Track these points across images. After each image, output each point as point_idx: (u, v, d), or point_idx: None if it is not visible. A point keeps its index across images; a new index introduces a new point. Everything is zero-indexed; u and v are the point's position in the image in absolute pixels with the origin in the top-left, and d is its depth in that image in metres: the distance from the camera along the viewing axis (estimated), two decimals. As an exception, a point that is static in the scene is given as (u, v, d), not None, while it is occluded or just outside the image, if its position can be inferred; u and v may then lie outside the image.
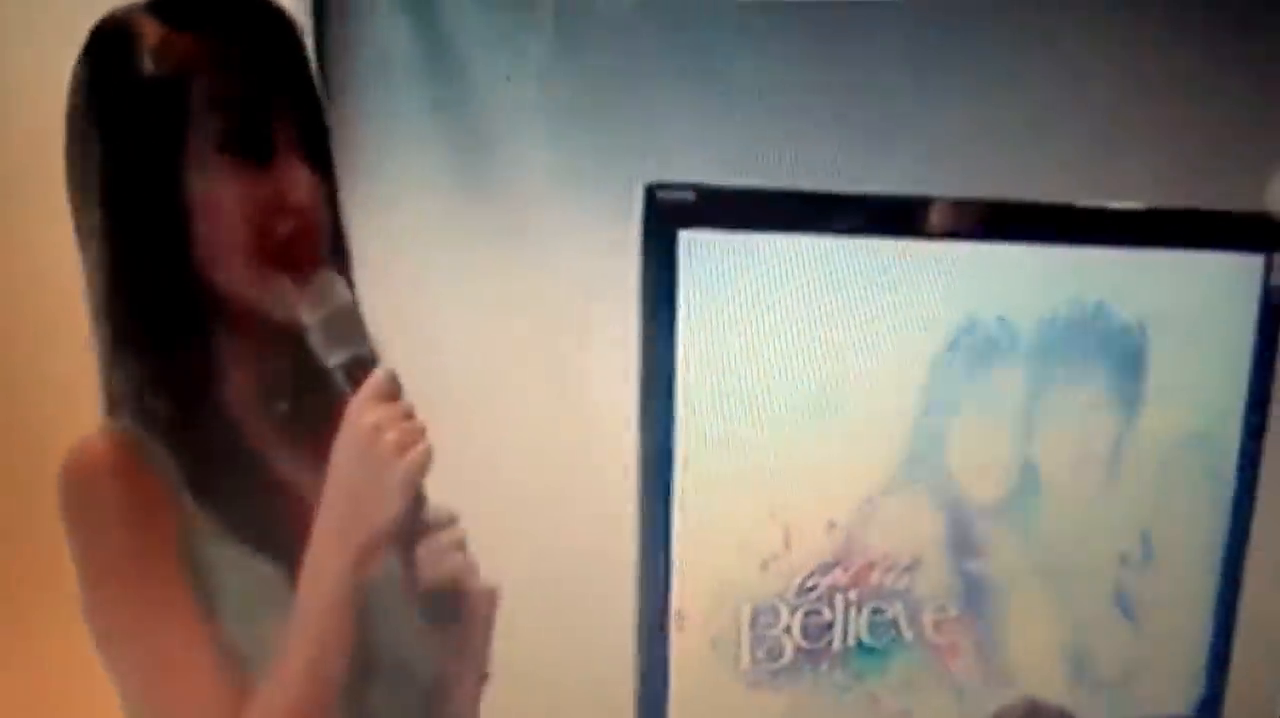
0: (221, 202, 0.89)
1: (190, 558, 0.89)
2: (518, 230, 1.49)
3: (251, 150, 0.90)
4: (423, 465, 0.87)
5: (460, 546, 0.95)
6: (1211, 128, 1.66)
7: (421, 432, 0.88)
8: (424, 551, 0.92)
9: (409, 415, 0.88)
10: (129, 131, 0.89)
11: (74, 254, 0.95)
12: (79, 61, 0.92)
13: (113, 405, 0.94)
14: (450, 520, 0.94)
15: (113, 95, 0.90)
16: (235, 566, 0.90)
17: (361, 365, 0.90)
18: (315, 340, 0.91)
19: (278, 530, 0.91)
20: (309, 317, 0.91)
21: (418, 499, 0.90)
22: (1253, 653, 1.74)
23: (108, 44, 0.91)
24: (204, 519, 0.90)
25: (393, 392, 0.88)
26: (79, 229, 0.93)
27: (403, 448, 0.86)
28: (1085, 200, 1.57)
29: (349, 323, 0.91)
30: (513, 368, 1.52)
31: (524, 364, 1.52)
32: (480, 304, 1.51)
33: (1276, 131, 1.67)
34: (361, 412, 0.87)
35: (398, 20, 1.44)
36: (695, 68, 1.51)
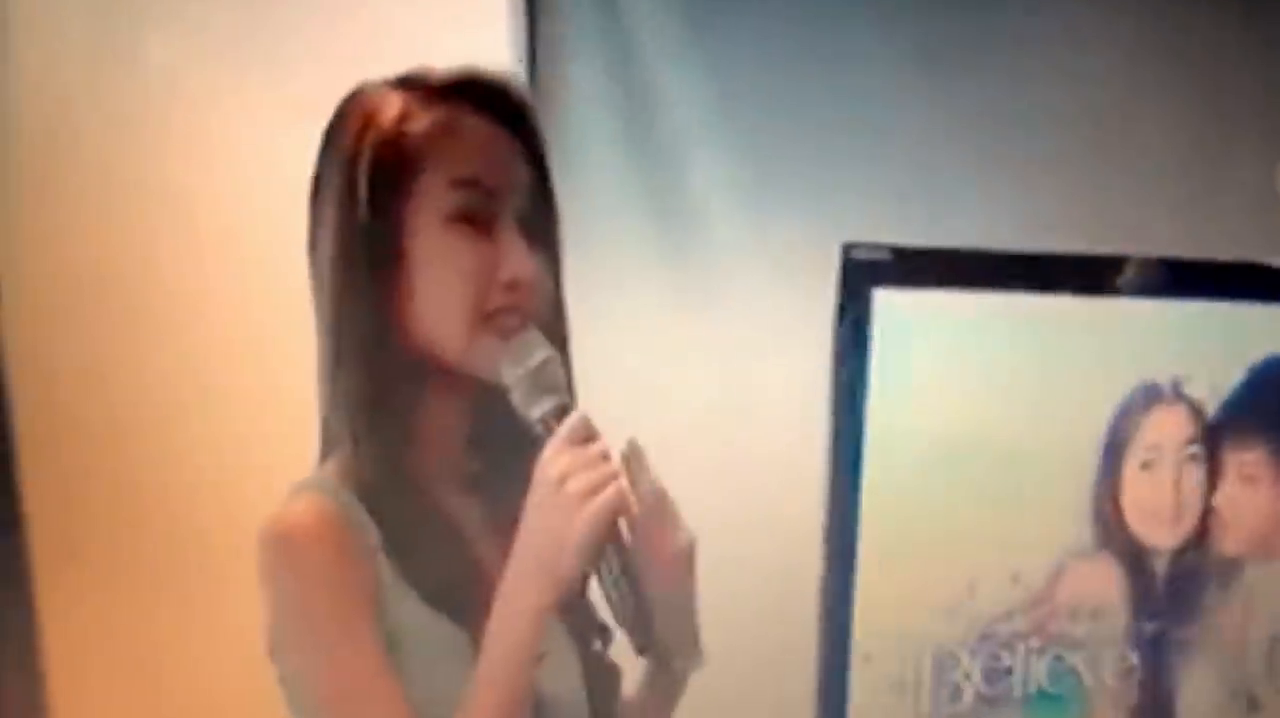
0: (447, 264, 0.91)
1: (387, 617, 0.90)
2: (713, 288, 1.54)
3: (478, 222, 0.92)
4: (609, 511, 0.84)
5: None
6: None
7: (611, 476, 0.84)
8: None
9: (600, 460, 0.85)
10: (361, 195, 0.91)
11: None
12: (327, 127, 0.96)
13: (324, 457, 0.97)
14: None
15: (348, 160, 0.92)
16: (423, 629, 0.91)
17: (562, 414, 0.89)
18: (517, 397, 0.91)
19: (465, 596, 0.91)
20: (510, 375, 0.90)
21: (615, 550, 0.88)
22: None
23: (352, 112, 0.94)
24: (398, 582, 0.91)
25: (584, 437, 0.86)
26: (313, 286, 0.97)
27: (587, 495, 0.83)
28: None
29: (550, 375, 0.90)
30: (705, 418, 1.56)
31: (716, 414, 1.56)
32: (674, 357, 1.56)
33: None
34: (551, 460, 0.85)
35: (596, 75, 1.49)
36: (885, 127, 1.54)
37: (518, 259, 0.92)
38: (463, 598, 0.91)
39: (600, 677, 1.03)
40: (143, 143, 1.55)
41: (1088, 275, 1.53)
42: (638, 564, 0.90)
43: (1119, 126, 1.59)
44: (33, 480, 1.60)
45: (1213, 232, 1.60)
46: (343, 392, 0.93)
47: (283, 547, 0.89)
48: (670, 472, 1.48)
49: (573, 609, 0.98)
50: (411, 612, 0.91)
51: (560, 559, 0.84)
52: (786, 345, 1.56)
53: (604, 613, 0.95)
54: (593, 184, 1.51)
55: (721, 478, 1.58)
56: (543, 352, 0.91)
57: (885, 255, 1.48)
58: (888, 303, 1.49)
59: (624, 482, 0.86)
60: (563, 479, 0.84)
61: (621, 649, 0.98)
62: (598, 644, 1.03)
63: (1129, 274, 1.53)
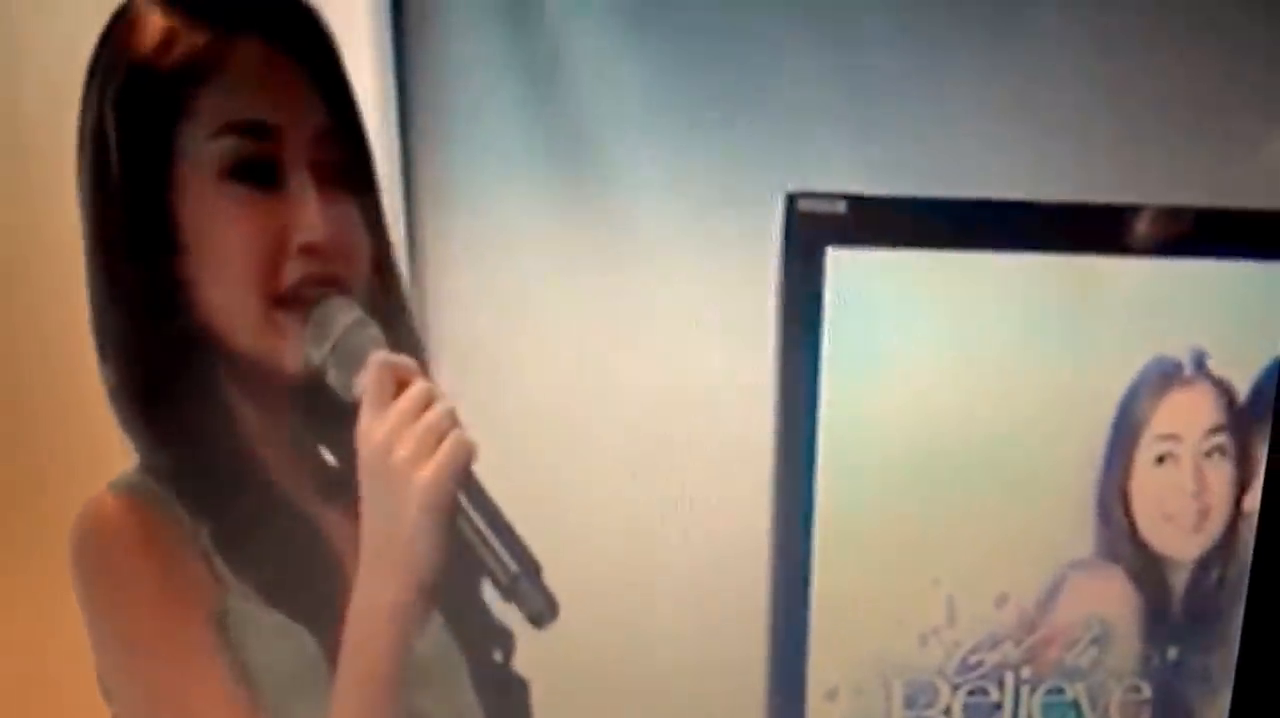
0: (224, 232, 0.80)
1: (224, 626, 0.80)
2: (635, 254, 1.32)
3: (260, 175, 0.80)
4: (448, 472, 0.73)
5: None
6: None
7: (440, 426, 0.73)
8: None
9: (422, 411, 0.74)
10: (119, 142, 0.80)
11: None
12: (93, 53, 0.83)
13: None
14: None
15: (106, 97, 0.80)
16: (271, 635, 0.81)
17: None
18: (332, 379, 0.80)
19: (318, 598, 0.82)
20: (317, 354, 0.80)
21: (473, 504, 0.75)
22: None
23: (111, 34, 0.82)
24: (237, 585, 0.82)
25: (394, 388, 0.75)
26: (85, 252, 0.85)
27: (418, 460, 0.73)
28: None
29: (360, 342, 0.80)
30: (624, 413, 1.35)
31: (637, 408, 1.35)
32: (588, 338, 1.34)
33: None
34: (368, 428, 0.75)
35: (489, 25, 1.26)
36: (846, 53, 1.30)
37: (312, 218, 0.80)
38: (317, 602, 0.81)
39: (502, 693, 0.93)
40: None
41: (1091, 229, 1.30)
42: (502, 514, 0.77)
43: (1134, 57, 1.33)
44: None
45: (1245, 180, 1.34)
46: (116, 387, 0.84)
47: (92, 551, 0.80)
48: (583, 476, 1.38)
49: (462, 613, 0.89)
50: (258, 620, 0.81)
51: (406, 543, 0.74)
52: (719, 320, 1.33)
53: (500, 608, 0.87)
54: (478, 125, 1.30)
55: (647, 482, 1.37)
56: (345, 316, 0.80)
57: (839, 207, 1.26)
58: (843, 265, 1.27)
59: (458, 431, 0.74)
60: (387, 448, 0.73)
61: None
62: (497, 654, 0.94)
63: (1142, 227, 1.29)
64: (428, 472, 0.72)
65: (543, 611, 0.75)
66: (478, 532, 0.75)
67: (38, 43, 1.37)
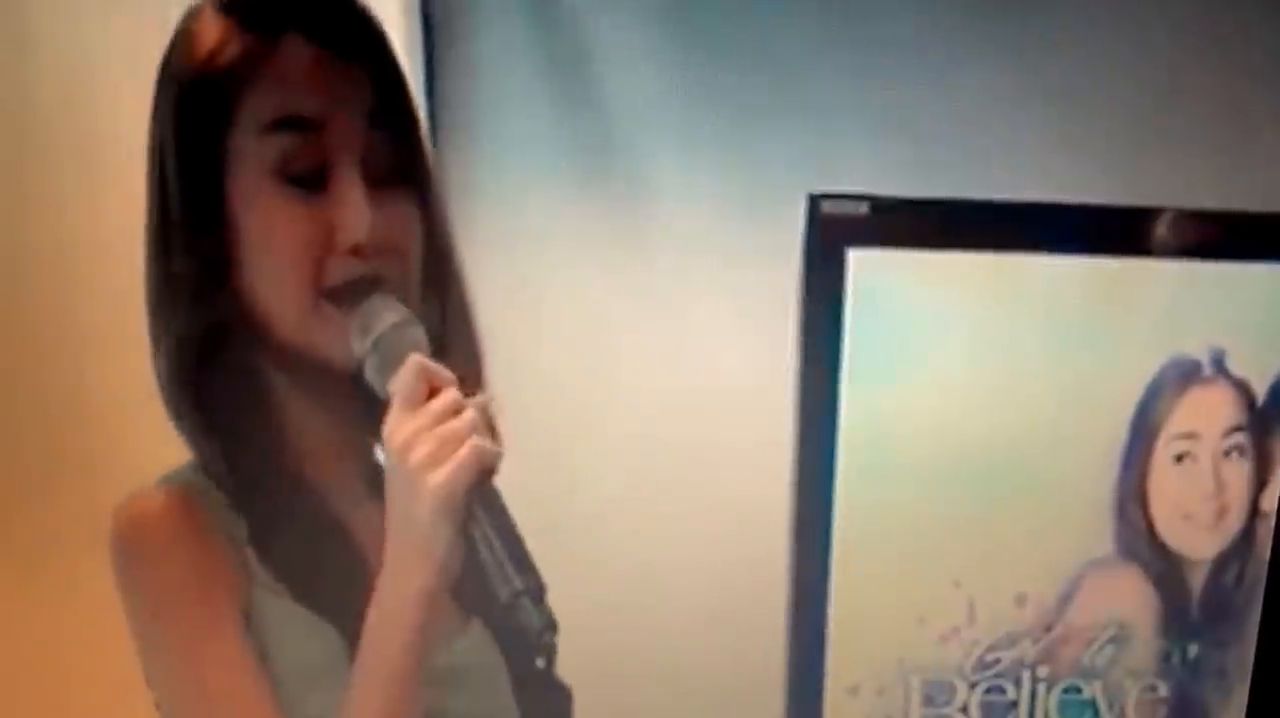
0: (272, 232, 0.80)
1: (253, 620, 0.82)
2: (657, 253, 1.30)
3: (309, 174, 0.80)
4: (456, 480, 0.73)
5: None
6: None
7: (457, 436, 0.73)
8: None
9: (443, 419, 0.74)
10: (176, 147, 0.81)
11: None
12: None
13: None
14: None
15: (168, 101, 0.82)
16: (300, 631, 0.82)
17: None
18: (369, 375, 0.81)
19: (346, 596, 0.82)
20: (360, 348, 0.81)
21: (484, 513, 0.75)
22: None
23: (176, 40, 0.83)
24: (269, 580, 0.83)
25: (427, 393, 0.75)
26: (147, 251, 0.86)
27: (431, 464, 0.73)
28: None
29: (400, 342, 0.79)
30: (649, 409, 1.33)
31: (662, 408, 1.33)
32: (611, 335, 1.32)
33: None
34: (393, 429, 0.75)
35: (515, 24, 1.25)
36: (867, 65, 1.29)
37: (358, 218, 0.79)
38: (347, 601, 0.81)
39: (542, 700, 0.92)
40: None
41: (1110, 231, 1.28)
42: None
43: (1156, 61, 1.32)
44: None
45: (1265, 183, 1.33)
46: (167, 374, 0.84)
47: (132, 537, 0.81)
48: (604, 472, 1.39)
49: (502, 617, 0.86)
50: (288, 615, 0.82)
51: (424, 540, 0.74)
52: (741, 319, 1.32)
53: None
54: (504, 123, 1.29)
55: (667, 480, 1.37)
56: (390, 315, 0.80)
57: (862, 208, 1.24)
58: (865, 266, 1.25)
59: (478, 439, 0.74)
60: (407, 448, 0.74)
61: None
62: (540, 661, 0.89)
63: (1161, 229, 1.28)
64: (441, 475, 0.72)
65: (540, 631, 0.75)
66: (487, 542, 0.75)
67: (46, 41, 1.38)
